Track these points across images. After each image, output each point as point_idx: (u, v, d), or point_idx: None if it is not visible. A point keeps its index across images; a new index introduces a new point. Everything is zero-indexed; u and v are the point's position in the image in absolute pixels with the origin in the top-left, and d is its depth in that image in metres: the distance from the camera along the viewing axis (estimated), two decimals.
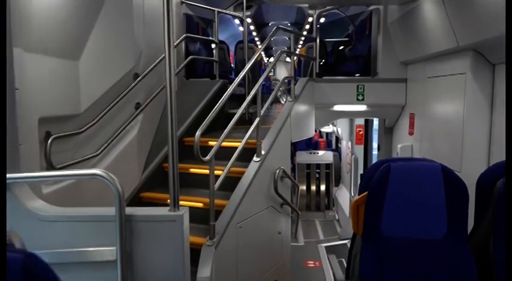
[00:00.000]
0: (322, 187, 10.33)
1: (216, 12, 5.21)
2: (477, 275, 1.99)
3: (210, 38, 5.88)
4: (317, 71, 5.34)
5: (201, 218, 3.10)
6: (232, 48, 7.61)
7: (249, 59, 3.76)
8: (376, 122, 7.55)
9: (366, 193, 2.12)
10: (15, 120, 2.29)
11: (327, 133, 14.23)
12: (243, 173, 3.39)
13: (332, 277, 5.82)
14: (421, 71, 4.54)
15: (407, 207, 2.06)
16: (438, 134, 4.00)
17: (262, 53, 10.89)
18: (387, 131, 5.85)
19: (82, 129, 3.21)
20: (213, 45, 5.51)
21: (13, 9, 2.31)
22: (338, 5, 6.84)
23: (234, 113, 3.30)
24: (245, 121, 4.35)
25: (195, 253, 2.68)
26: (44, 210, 2.20)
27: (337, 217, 9.54)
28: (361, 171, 8.36)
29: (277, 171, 3.60)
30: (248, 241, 3.24)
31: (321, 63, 5.77)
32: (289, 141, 4.11)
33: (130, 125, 3.67)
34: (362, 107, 5.41)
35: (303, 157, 10.49)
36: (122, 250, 2.05)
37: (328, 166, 10.42)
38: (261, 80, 3.61)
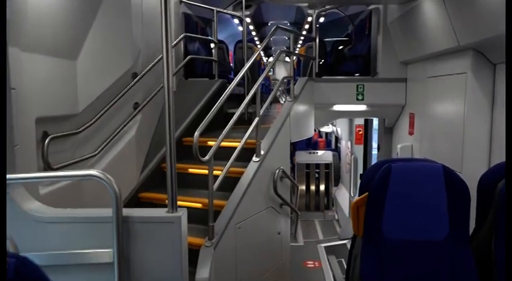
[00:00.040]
0: (322, 187, 10.30)
1: (215, 11, 5.19)
2: (478, 276, 1.97)
3: (209, 37, 5.86)
4: (316, 70, 5.32)
5: (200, 219, 3.08)
6: (231, 48, 7.59)
7: (248, 58, 3.74)
8: (375, 121, 7.54)
9: (366, 194, 2.10)
10: (11, 121, 2.26)
11: (327, 133, 14.21)
12: (242, 173, 3.37)
13: (332, 278, 5.81)
14: (421, 70, 4.52)
15: (408, 208, 2.04)
16: (438, 134, 3.98)
17: (262, 52, 10.88)
18: (387, 131, 5.84)
19: (80, 130, 3.18)
20: (212, 45, 5.49)
21: (9, 7, 2.29)
22: (337, 5, 6.83)
23: (233, 113, 3.29)
24: (244, 121, 4.34)
25: (194, 253, 2.67)
26: (40, 211, 2.18)
27: (336, 217, 9.52)
28: (360, 171, 8.35)
29: (277, 171, 3.58)
30: (247, 242, 3.22)
31: (321, 63, 5.76)
32: (288, 141, 4.09)
33: (128, 125, 3.65)
34: (362, 107, 5.39)
35: (302, 157, 10.47)
36: (119, 252, 2.03)
37: (327, 165, 10.40)
38: (260, 79, 3.59)
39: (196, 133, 2.71)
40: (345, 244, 7.36)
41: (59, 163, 2.95)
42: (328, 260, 6.54)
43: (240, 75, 3.40)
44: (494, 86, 3.24)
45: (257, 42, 13.98)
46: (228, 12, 6.77)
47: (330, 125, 11.32)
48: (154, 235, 2.12)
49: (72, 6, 3.08)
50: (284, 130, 3.90)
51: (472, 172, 2.86)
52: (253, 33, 13.02)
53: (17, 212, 2.14)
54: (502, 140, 3.03)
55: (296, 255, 6.45)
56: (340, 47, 6.80)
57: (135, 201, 3.69)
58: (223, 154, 3.24)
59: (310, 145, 12.49)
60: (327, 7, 5.82)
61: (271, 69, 16.20)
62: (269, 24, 12.63)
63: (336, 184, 10.42)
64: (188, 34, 4.95)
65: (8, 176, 2.04)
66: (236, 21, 10.54)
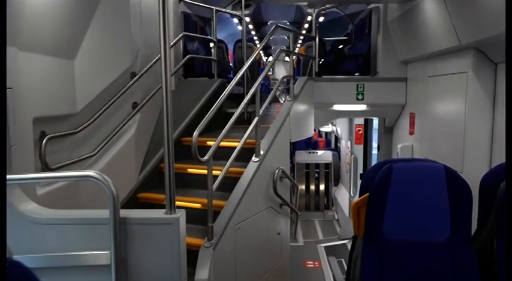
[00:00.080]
0: (322, 187, 10.29)
1: (214, 10, 5.17)
2: (480, 277, 1.96)
3: (209, 36, 5.83)
4: (316, 70, 5.30)
5: (199, 219, 3.06)
6: (230, 48, 7.57)
7: (248, 58, 3.72)
8: (375, 121, 7.52)
9: (367, 194, 2.08)
10: (8, 120, 2.23)
11: (326, 133, 14.19)
12: (241, 173, 3.35)
13: (332, 278, 5.79)
14: (421, 70, 4.50)
15: (409, 209, 2.02)
16: (439, 134, 3.96)
17: (261, 52, 10.86)
18: (387, 131, 5.82)
19: (78, 129, 3.16)
20: (212, 44, 5.46)
21: (8, 6, 2.26)
22: (337, 4, 6.82)
23: (233, 113, 3.26)
24: (244, 121, 4.32)
25: (193, 254, 2.65)
26: (36, 212, 2.15)
27: (336, 217, 9.51)
28: (360, 171, 8.34)
29: (277, 171, 3.56)
30: (247, 242, 3.20)
31: (320, 62, 5.73)
32: (288, 141, 4.07)
33: (127, 125, 3.62)
34: (362, 107, 5.37)
35: (302, 157, 10.46)
36: (116, 254, 2.00)
37: (327, 165, 10.39)
38: (259, 79, 3.57)
39: (195, 133, 2.69)
40: (345, 244, 7.35)
41: (57, 163, 2.92)
42: (328, 261, 6.53)
43: (240, 75, 3.38)
44: (496, 86, 3.22)
45: (257, 42, 13.97)
46: (228, 11, 6.74)
47: (330, 125, 11.31)
48: (152, 236, 2.09)
49: (70, 4, 3.05)
50: (284, 130, 3.87)
51: (473, 172, 2.84)
52: (253, 32, 13.01)
53: (13, 213, 2.11)
54: (504, 140, 3.01)
55: (296, 255, 6.44)
56: (340, 47, 6.78)
57: (133, 201, 3.67)
58: (222, 154, 3.22)
59: (310, 144, 12.47)
60: (327, 6, 5.79)
61: (271, 69, 16.16)
62: (268, 23, 12.62)
63: (336, 184, 10.40)
64: (187, 33, 4.92)
65: None
66: (235, 20, 10.52)
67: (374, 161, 7.84)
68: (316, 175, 10.41)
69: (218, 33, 5.41)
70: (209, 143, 3.68)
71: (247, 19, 10.51)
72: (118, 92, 3.47)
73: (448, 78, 3.72)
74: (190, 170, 3.76)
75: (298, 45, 13.09)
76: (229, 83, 3.34)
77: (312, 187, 10.30)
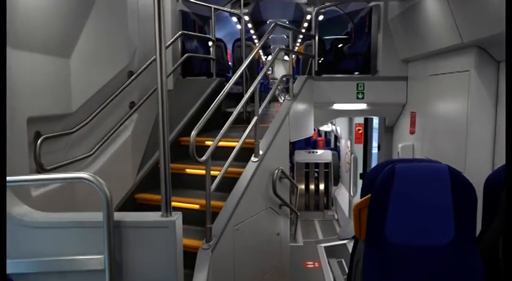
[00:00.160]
0: (321, 186, 10.25)
1: (212, 9, 5.11)
2: (485, 278, 1.92)
3: (207, 35, 5.78)
4: (316, 69, 5.26)
5: (197, 221, 3.02)
6: (229, 46, 7.52)
7: (247, 57, 3.67)
8: (376, 120, 7.48)
9: (369, 195, 2.03)
10: None
11: (326, 132, 14.16)
12: (240, 173, 3.31)
13: (332, 278, 5.75)
14: (422, 68, 4.46)
15: (412, 210, 1.98)
16: (441, 133, 3.92)
17: (260, 51, 10.81)
18: (387, 130, 5.79)
19: (74, 129, 3.10)
20: (210, 43, 5.41)
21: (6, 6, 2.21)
22: (337, 2, 6.77)
23: (232, 112, 3.22)
24: (243, 120, 4.27)
25: (191, 256, 2.60)
26: (28, 216, 2.10)
27: (336, 217, 9.48)
28: (360, 170, 8.30)
29: (276, 171, 3.52)
30: (246, 244, 3.16)
31: (320, 61, 5.69)
32: (287, 140, 4.02)
33: (124, 125, 3.57)
34: (362, 106, 5.34)
35: (301, 156, 10.42)
36: (110, 259, 1.94)
37: (327, 165, 10.35)
38: (258, 78, 3.53)
39: (193, 133, 2.65)
40: (345, 244, 7.32)
41: (52, 163, 2.87)
42: (328, 261, 6.49)
43: (238, 74, 3.33)
44: (498, 84, 3.18)
45: (256, 41, 13.91)
46: (226, 9, 6.69)
47: (330, 124, 11.27)
48: (147, 240, 2.04)
49: (64, 2, 3.00)
50: (283, 129, 3.83)
51: (476, 171, 2.80)
52: (252, 31, 12.95)
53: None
54: None
55: (296, 255, 6.40)
56: (340, 45, 6.73)
57: (131, 202, 3.62)
58: (221, 154, 3.17)
59: (309, 144, 12.44)
60: (326, 4, 5.75)
61: (270, 68, 16.12)
62: (268, 22, 12.58)
63: (336, 184, 10.37)
64: (185, 32, 4.87)
65: None
66: (234, 19, 10.47)
67: (374, 160, 7.80)
68: (316, 175, 10.37)
69: (217, 32, 5.36)
70: (207, 143, 3.64)
71: (246, 18, 10.44)
72: (115, 91, 3.42)
73: (450, 77, 3.67)
74: (188, 171, 3.72)
75: (298, 44, 13.04)
76: (228, 82, 3.29)
77: (312, 187, 10.26)
